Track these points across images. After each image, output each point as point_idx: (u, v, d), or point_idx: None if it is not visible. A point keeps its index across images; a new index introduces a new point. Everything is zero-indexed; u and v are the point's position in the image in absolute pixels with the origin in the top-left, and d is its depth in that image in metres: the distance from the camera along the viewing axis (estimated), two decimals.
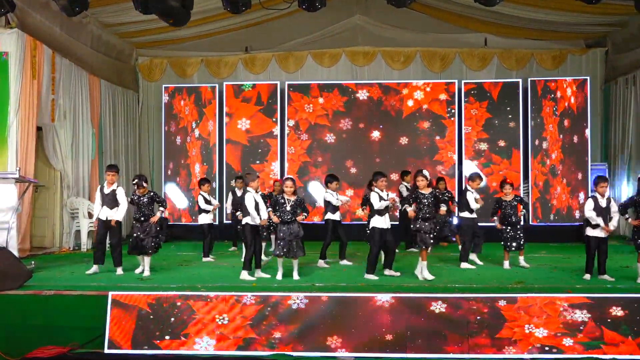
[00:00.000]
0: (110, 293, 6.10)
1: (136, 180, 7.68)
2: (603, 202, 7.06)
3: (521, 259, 8.13)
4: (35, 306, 6.20)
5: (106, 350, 5.86)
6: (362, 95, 11.90)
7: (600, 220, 6.93)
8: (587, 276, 7.09)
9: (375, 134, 11.88)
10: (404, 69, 12.80)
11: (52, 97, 9.77)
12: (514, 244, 8.01)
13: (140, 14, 8.49)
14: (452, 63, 12.75)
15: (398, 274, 7.37)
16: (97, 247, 7.73)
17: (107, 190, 7.58)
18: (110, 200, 7.54)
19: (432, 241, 7.09)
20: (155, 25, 10.81)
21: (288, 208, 7.17)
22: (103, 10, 10.48)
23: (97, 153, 11.24)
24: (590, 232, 7.10)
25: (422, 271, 7.10)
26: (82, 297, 6.26)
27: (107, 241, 7.93)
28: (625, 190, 11.54)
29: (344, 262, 8.43)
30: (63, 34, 10.19)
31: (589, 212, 7.04)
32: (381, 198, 7.19)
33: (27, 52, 8.88)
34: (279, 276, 7.22)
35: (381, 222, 7.23)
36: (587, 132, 11.43)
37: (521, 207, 8.20)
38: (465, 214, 8.27)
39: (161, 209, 7.70)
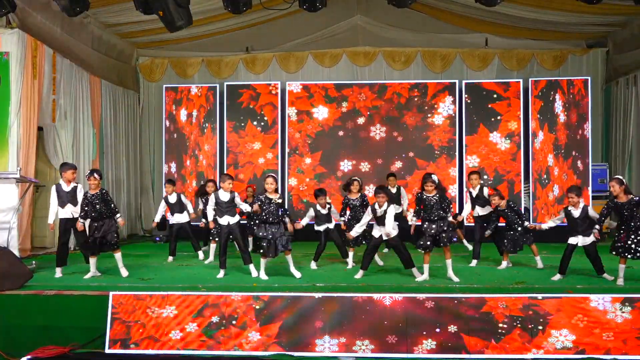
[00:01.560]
0: (111, 293, 6.12)
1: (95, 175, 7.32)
2: (576, 213, 7.08)
3: (537, 259, 8.11)
4: (36, 306, 6.21)
5: (107, 350, 5.87)
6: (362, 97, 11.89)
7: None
8: (557, 276, 7.12)
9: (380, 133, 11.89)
10: (405, 69, 12.82)
11: (53, 97, 9.78)
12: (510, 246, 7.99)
13: (140, 14, 8.50)
14: (452, 63, 12.77)
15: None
16: (63, 249, 7.57)
17: (67, 188, 7.52)
18: (73, 198, 7.51)
19: (430, 244, 6.99)
20: (156, 26, 10.81)
21: (272, 208, 7.18)
22: (104, 11, 10.51)
23: (98, 153, 11.26)
24: (569, 239, 7.16)
25: (447, 271, 7.12)
26: (83, 297, 6.27)
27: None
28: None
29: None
30: (64, 34, 10.21)
31: (557, 219, 7.48)
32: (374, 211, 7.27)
33: (28, 52, 8.90)
34: (263, 275, 7.23)
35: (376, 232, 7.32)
36: (588, 132, 11.42)
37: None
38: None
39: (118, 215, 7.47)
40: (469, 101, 11.59)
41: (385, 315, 5.89)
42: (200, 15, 10.53)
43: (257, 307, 5.99)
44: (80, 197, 7.52)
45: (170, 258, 9.02)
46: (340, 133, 11.87)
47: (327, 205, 8.28)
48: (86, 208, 7.20)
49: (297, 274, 7.31)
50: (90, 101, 10.98)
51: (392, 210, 7.25)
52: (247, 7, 8.54)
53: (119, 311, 6.02)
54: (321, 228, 8.24)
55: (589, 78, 11.69)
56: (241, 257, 7.54)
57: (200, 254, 9.15)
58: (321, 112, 11.89)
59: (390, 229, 7.10)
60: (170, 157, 12.25)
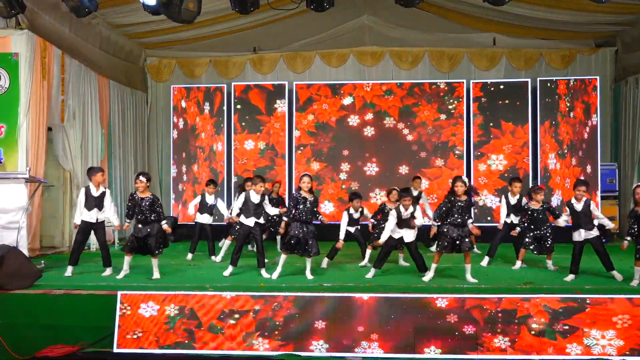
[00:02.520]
0: (120, 293, 6.14)
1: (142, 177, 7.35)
2: (579, 207, 7.03)
3: (549, 262, 8.05)
4: (44, 305, 6.25)
5: (115, 350, 5.90)
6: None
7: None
8: (570, 277, 7.09)
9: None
10: (412, 68, 12.77)
11: (62, 98, 9.83)
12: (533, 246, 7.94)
13: (148, 15, 8.51)
14: (460, 63, 12.70)
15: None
16: (77, 248, 7.58)
17: (96, 193, 7.54)
18: (100, 202, 7.54)
19: (448, 246, 6.91)
20: (164, 26, 10.87)
21: (308, 206, 7.14)
22: (112, 11, 10.53)
23: (107, 153, 11.30)
24: (574, 236, 7.11)
25: (466, 274, 7.03)
26: (91, 296, 6.30)
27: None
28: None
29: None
30: (72, 35, 10.26)
31: (563, 216, 7.36)
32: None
33: (37, 53, 8.94)
34: (275, 275, 7.24)
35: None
36: (597, 131, 11.35)
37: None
38: None
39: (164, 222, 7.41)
40: (483, 100, 11.61)
41: (393, 315, 5.89)
42: (207, 16, 10.53)
43: (259, 307, 6.00)
44: (107, 203, 7.57)
45: (190, 256, 9.04)
46: (347, 132, 11.90)
47: (360, 209, 8.28)
48: (132, 209, 7.25)
49: (310, 277, 7.28)
50: (99, 101, 11.03)
51: (419, 212, 7.25)
52: (255, 7, 8.54)
53: (127, 310, 6.04)
54: (351, 229, 8.24)
55: (598, 77, 11.64)
56: (257, 259, 7.55)
57: (214, 258, 9.06)
58: (327, 112, 11.94)
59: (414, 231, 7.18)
60: (178, 157, 12.30)
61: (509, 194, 8.54)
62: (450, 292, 6.22)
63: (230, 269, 7.47)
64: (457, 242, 6.88)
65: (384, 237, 7.29)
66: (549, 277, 7.37)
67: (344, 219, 8.19)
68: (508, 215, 8.40)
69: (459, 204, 6.91)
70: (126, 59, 12.62)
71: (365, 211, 8.44)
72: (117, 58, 12.12)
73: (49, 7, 9.49)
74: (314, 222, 7.26)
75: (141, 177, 7.28)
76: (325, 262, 8.23)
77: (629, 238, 6.79)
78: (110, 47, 11.77)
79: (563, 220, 7.37)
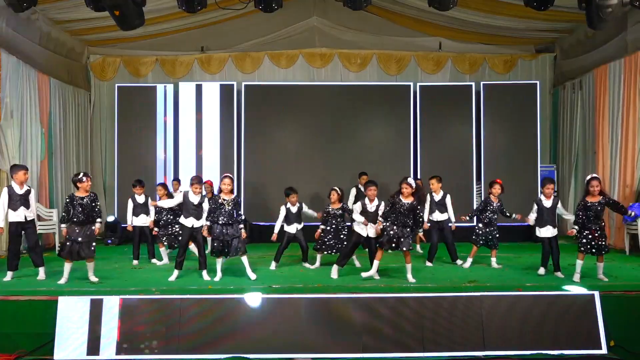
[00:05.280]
0: (60, 298, 5.94)
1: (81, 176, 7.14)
2: (548, 204, 7.33)
3: (493, 260, 8.32)
4: None
5: (55, 357, 5.70)
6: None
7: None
8: (542, 270, 7.42)
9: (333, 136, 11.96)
10: (361, 71, 12.90)
11: None
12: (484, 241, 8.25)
13: (91, 11, 8.27)
14: (407, 66, 12.91)
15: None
16: (15, 252, 7.30)
17: (20, 191, 7.31)
18: (26, 201, 7.33)
19: (386, 245, 7.03)
20: (108, 23, 10.54)
21: (227, 208, 7.16)
22: (52, 7, 10.17)
23: (47, 153, 10.89)
24: (539, 233, 7.37)
25: (407, 274, 7.14)
26: (30, 302, 6.07)
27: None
28: (572, 190, 11.95)
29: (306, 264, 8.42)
30: (10, 30, 9.83)
31: (533, 212, 7.46)
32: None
33: None
34: (217, 277, 7.24)
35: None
36: (537, 134, 11.80)
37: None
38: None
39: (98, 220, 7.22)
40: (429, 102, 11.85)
41: (339, 315, 5.94)
42: (153, 14, 10.34)
43: (201, 309, 5.94)
44: (32, 200, 7.36)
45: (135, 262, 8.79)
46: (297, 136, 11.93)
47: (297, 204, 8.28)
48: (72, 211, 6.95)
49: (253, 276, 7.27)
50: (39, 99, 10.61)
51: (383, 206, 7.30)
52: (202, 6, 8.44)
53: (67, 316, 5.85)
54: (291, 229, 8.23)
55: (538, 82, 12.10)
56: (198, 260, 7.49)
57: (154, 261, 8.88)
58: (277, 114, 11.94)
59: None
60: (122, 158, 12.01)
61: (433, 193, 8.73)
62: (397, 291, 6.32)
63: (176, 273, 7.35)
64: (397, 240, 6.95)
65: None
66: (494, 275, 7.58)
67: (281, 213, 8.23)
68: (432, 212, 8.57)
69: (404, 205, 6.99)
70: (68, 56, 12.19)
71: (305, 208, 8.45)
72: (58, 55, 11.69)
73: None
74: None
75: (85, 177, 7.11)
76: (273, 264, 8.25)
77: (576, 227, 7.12)
78: (51, 44, 11.35)
79: (533, 218, 7.56)
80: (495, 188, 8.23)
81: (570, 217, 7.59)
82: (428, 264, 8.46)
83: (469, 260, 8.29)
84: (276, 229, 8.14)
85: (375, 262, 7.17)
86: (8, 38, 9.78)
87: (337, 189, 8.23)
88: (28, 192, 7.39)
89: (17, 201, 7.26)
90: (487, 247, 8.28)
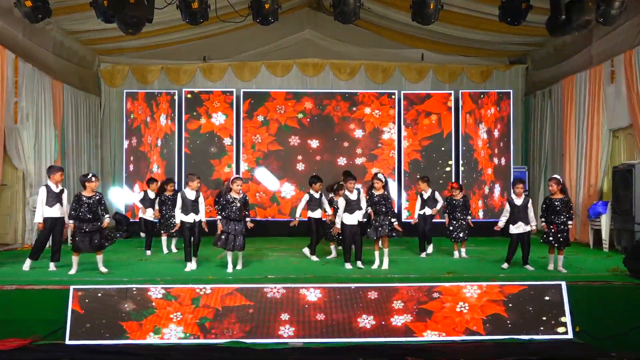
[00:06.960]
0: (72, 287, 5.92)
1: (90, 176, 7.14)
2: (519, 202, 7.38)
3: (463, 250, 8.52)
4: None
5: (67, 342, 5.68)
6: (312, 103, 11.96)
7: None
8: (505, 265, 7.43)
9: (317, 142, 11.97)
10: (350, 79, 12.94)
11: (15, 100, 9.35)
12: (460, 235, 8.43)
13: (102, 22, 8.22)
14: (392, 75, 12.97)
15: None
16: (42, 244, 7.33)
17: (56, 190, 7.28)
18: (60, 199, 7.29)
19: (371, 233, 7.37)
20: (117, 34, 10.47)
21: (237, 205, 7.25)
22: (66, 18, 10.09)
23: (60, 154, 10.83)
24: (511, 229, 7.41)
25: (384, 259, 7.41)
26: (44, 291, 6.04)
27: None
28: (541, 189, 12.05)
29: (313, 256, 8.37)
30: (26, 39, 9.76)
31: (505, 212, 7.50)
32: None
33: None
34: (229, 269, 7.26)
35: (350, 219, 7.45)
36: (510, 138, 11.88)
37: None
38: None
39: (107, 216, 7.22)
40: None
41: (320, 304, 5.95)
42: (159, 25, 10.31)
43: (199, 297, 5.93)
44: (65, 200, 7.34)
45: (148, 252, 8.88)
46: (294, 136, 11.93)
47: (319, 192, 8.33)
48: (81, 209, 6.92)
49: (239, 267, 7.36)
50: (52, 104, 10.54)
51: (363, 194, 7.51)
52: (204, 19, 8.39)
53: (78, 304, 5.83)
54: (315, 214, 8.27)
55: (511, 91, 12.17)
56: (184, 251, 7.54)
57: (148, 252, 8.90)
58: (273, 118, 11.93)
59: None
60: (130, 160, 11.95)
61: (422, 192, 8.86)
62: (382, 281, 6.36)
63: (194, 262, 7.42)
64: (379, 226, 7.31)
65: (337, 224, 7.55)
66: (471, 267, 7.63)
67: (304, 198, 8.35)
68: (423, 207, 8.74)
69: (376, 196, 7.38)
70: (80, 64, 12.13)
71: (323, 198, 8.43)
72: (70, 63, 11.62)
73: (2, 12, 8.99)
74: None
75: (94, 178, 7.11)
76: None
77: (543, 221, 7.24)
78: (64, 52, 11.27)
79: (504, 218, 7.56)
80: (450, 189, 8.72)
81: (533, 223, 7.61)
82: (422, 255, 8.69)
83: (462, 250, 8.53)
84: (297, 215, 8.25)
85: (385, 251, 7.39)
86: (24, 47, 9.71)
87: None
88: (62, 191, 7.36)
89: (53, 199, 7.23)
90: (457, 241, 8.49)
